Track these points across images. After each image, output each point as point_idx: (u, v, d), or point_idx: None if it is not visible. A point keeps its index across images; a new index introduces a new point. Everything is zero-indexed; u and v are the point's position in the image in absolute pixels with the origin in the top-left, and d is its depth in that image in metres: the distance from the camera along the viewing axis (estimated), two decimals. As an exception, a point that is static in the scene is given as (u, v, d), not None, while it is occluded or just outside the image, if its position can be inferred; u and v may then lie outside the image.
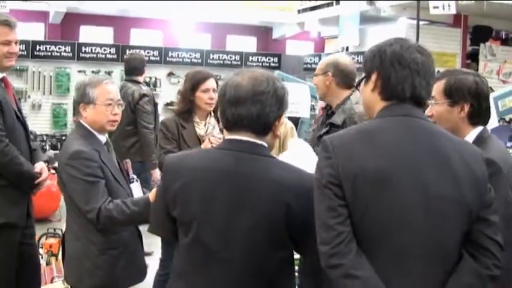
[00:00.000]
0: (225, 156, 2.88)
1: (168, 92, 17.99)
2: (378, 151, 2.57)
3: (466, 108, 3.49)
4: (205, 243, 2.84)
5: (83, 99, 4.10)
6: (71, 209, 4.08)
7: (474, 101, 3.48)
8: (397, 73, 2.67)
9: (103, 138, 4.18)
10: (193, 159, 3.00)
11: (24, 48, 16.79)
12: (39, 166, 4.89)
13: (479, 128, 3.54)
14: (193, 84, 5.16)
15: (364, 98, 2.86)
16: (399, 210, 2.53)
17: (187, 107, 5.22)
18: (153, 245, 4.46)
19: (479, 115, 3.52)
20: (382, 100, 2.74)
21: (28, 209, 4.98)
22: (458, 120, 3.49)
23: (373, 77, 2.75)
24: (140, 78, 8.33)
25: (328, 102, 5.07)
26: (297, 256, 3.10)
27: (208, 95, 5.17)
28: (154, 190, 3.80)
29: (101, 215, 3.83)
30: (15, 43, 4.81)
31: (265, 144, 2.90)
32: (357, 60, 16.15)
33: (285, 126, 5.81)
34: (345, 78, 4.87)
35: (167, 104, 17.62)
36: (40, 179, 4.82)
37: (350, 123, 4.55)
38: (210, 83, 5.20)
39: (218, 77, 18.71)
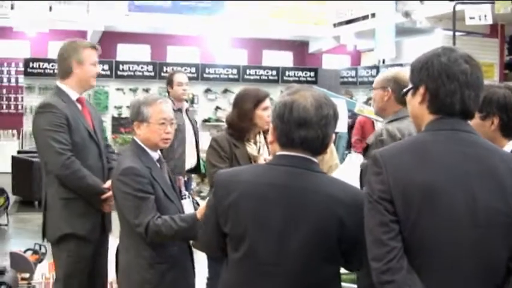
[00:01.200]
0: (277, 171, 2.90)
1: (205, 108, 18.09)
2: (427, 164, 2.56)
3: (496, 121, 3.48)
4: (257, 257, 2.86)
5: (137, 117, 4.18)
6: (122, 223, 4.18)
7: (503, 114, 3.47)
8: (445, 87, 2.63)
9: (155, 155, 4.26)
10: (245, 174, 3.03)
11: (63, 68, 16.99)
12: (110, 182, 4.90)
13: None
14: (256, 102, 5.12)
15: (412, 110, 2.82)
16: (448, 224, 2.51)
17: (247, 126, 5.16)
18: (195, 262, 4.49)
19: (510, 128, 3.51)
20: (431, 113, 2.70)
21: (104, 225, 5.14)
22: (490, 133, 3.47)
23: (421, 90, 2.71)
24: (171, 94, 8.21)
25: (383, 117, 5.02)
26: (344, 271, 3.11)
27: (267, 112, 5.14)
28: (202, 207, 3.89)
29: (149, 230, 3.92)
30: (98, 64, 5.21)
31: (316, 160, 2.93)
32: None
33: (331, 159, 5.71)
34: (404, 94, 4.73)
35: (205, 120, 17.73)
36: (107, 195, 4.92)
37: (378, 145, 4.49)
38: (268, 101, 5.19)
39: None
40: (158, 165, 4.26)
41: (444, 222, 2.50)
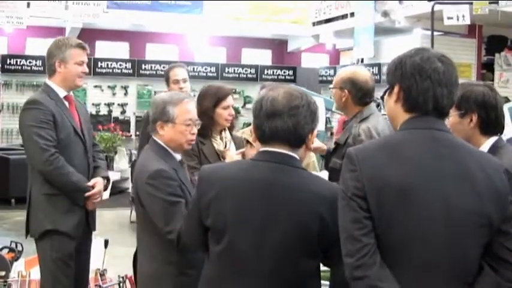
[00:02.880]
0: (260, 167, 2.96)
1: (184, 105, 18.02)
2: (402, 164, 2.59)
3: (474, 118, 3.53)
4: (238, 251, 2.91)
5: (161, 117, 4.00)
6: (147, 229, 3.97)
7: (481, 112, 3.52)
8: (417, 85, 2.68)
9: (178, 156, 4.11)
10: (229, 169, 3.11)
11: (40, 64, 16.95)
12: (94, 180, 5.09)
13: (494, 138, 3.57)
14: (216, 101, 5.10)
15: (388, 110, 2.88)
16: (421, 223, 2.54)
17: (207, 124, 5.15)
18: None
19: (488, 125, 3.55)
20: (405, 112, 2.75)
21: (88, 223, 5.18)
22: (469, 130, 3.53)
23: (396, 89, 2.77)
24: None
25: (345, 114, 5.07)
26: (324, 268, 3.13)
27: (228, 111, 5.12)
28: None
29: (182, 237, 3.69)
30: (86, 64, 5.17)
31: (298, 157, 2.98)
32: (372, 72, 16.22)
33: (308, 157, 5.65)
34: (361, 96, 4.80)
35: (184, 118, 17.68)
36: (90, 193, 4.98)
37: (352, 144, 4.47)
38: (230, 100, 5.15)
39: (233, 91, 18.74)
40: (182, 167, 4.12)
41: (417, 221, 2.54)
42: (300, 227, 2.83)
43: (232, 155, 4.95)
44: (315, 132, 3.05)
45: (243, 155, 4.87)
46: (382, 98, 2.97)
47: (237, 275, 2.91)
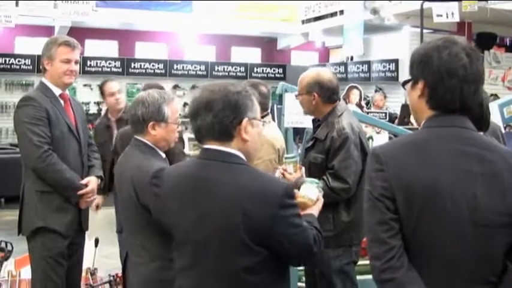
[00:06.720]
0: (195, 164, 3.02)
1: (173, 104, 18.02)
2: (429, 162, 2.53)
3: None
4: (184, 247, 2.97)
5: (156, 116, 3.89)
6: (148, 230, 3.77)
7: None
8: (445, 84, 2.58)
9: (163, 154, 4.00)
10: (178, 168, 3.17)
11: (29, 63, 16.89)
12: (87, 179, 5.08)
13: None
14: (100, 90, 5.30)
15: (412, 102, 2.77)
16: (449, 222, 2.49)
17: None
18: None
19: (473, 122, 3.53)
20: (430, 109, 2.66)
21: (80, 223, 5.14)
22: None
23: (420, 84, 2.66)
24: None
25: (315, 116, 5.11)
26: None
27: (114, 97, 5.34)
28: None
29: None
30: (75, 62, 5.11)
31: (233, 151, 2.94)
32: (362, 69, 16.22)
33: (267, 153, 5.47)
34: (329, 96, 4.91)
35: (173, 117, 17.65)
36: (83, 191, 4.97)
37: (337, 137, 4.69)
38: (114, 86, 5.30)
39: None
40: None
41: (445, 221, 2.49)
42: (225, 222, 2.80)
43: None
44: (245, 121, 2.94)
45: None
46: (403, 85, 2.88)
47: (186, 272, 2.97)
